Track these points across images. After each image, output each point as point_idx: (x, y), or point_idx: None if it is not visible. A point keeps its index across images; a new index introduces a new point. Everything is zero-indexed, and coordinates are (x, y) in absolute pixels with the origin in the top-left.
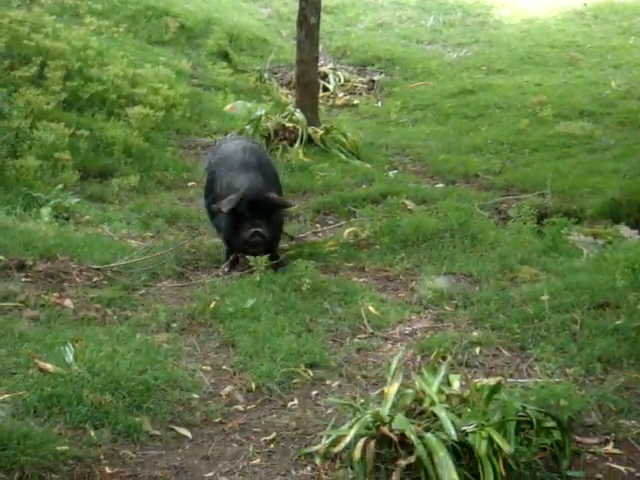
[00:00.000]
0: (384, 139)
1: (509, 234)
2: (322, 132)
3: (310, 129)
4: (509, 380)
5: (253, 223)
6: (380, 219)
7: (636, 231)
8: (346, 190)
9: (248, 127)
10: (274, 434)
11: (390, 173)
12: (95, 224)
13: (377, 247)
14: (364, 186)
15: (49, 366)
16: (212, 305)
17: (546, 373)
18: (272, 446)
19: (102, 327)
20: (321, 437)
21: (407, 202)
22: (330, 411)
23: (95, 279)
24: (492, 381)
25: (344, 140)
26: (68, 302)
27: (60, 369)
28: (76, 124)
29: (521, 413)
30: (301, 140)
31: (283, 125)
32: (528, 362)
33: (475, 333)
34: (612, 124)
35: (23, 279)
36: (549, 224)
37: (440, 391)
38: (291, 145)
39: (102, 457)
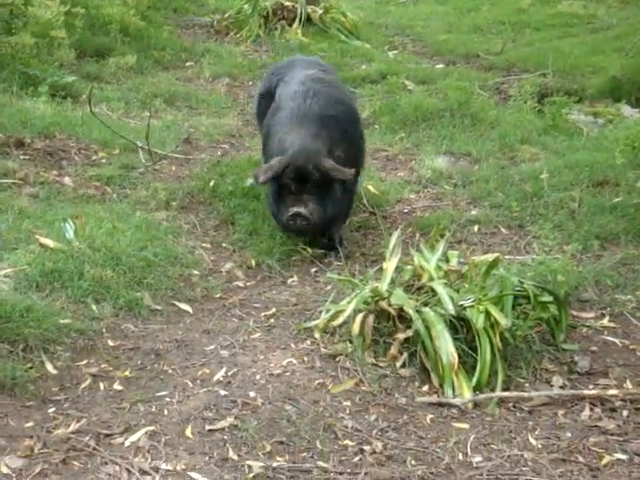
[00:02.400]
0: (384, 19)
1: (509, 114)
2: (321, 11)
3: (309, 8)
4: (507, 257)
5: (297, 200)
6: (380, 99)
7: (636, 110)
8: (345, 70)
9: (247, 6)
10: (274, 309)
11: (390, 53)
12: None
13: (376, 127)
14: (364, 66)
15: (50, 242)
16: (211, 184)
17: (544, 250)
18: (272, 321)
19: (102, 205)
20: (320, 312)
21: (407, 82)
22: (329, 287)
23: (94, 157)
24: (490, 257)
25: (343, 20)
26: (67, 180)
27: (61, 245)
28: (71, 2)
29: (518, 288)
30: (300, 20)
31: (282, 4)
32: (526, 239)
33: (474, 211)
34: (615, 3)
35: (22, 157)
36: (550, 103)
37: (438, 267)
38: (290, 25)
39: (104, 330)
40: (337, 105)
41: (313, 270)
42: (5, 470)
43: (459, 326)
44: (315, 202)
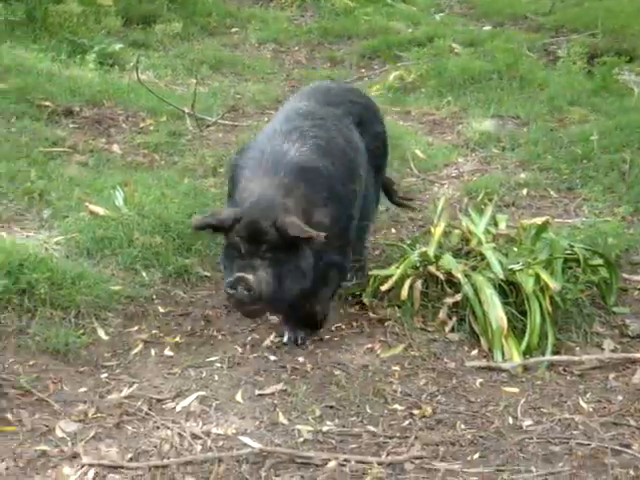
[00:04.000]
0: None
1: (558, 75)
2: None
3: None
4: (557, 220)
5: (245, 264)
6: (426, 62)
7: None
8: (391, 34)
9: None
10: None
11: (436, 16)
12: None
13: (423, 91)
14: (410, 30)
15: (99, 209)
16: None
17: (594, 212)
18: None
19: (150, 172)
20: (370, 277)
21: (454, 45)
22: (377, 252)
23: (141, 125)
24: (539, 220)
25: None
26: (116, 147)
27: (110, 212)
28: None
29: (568, 251)
30: None
31: None
32: (576, 202)
33: (522, 175)
34: None
35: (71, 125)
36: (599, 64)
37: (487, 231)
38: None
39: (154, 297)
40: (326, 155)
41: None
42: (60, 434)
43: (508, 290)
44: (268, 270)
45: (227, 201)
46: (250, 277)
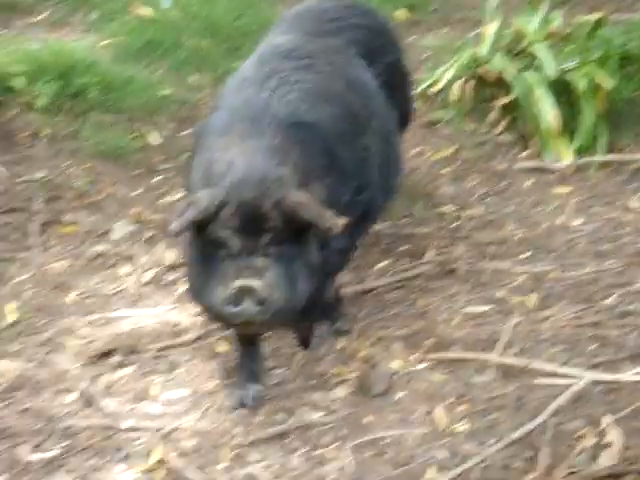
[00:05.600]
0: None
1: None
2: None
3: None
4: (613, 16)
5: (244, 266)
6: None
7: None
8: None
9: None
10: None
11: None
12: None
13: None
14: None
15: (147, 12)
16: None
17: None
18: None
19: None
20: (417, 81)
21: None
22: (427, 54)
23: None
24: (595, 17)
25: None
26: None
27: (157, 14)
28: None
29: (623, 49)
30: None
31: None
32: None
33: None
34: None
35: None
36: None
37: (540, 29)
38: None
39: (205, 100)
40: (318, 106)
41: (412, 37)
42: (116, 236)
43: (561, 90)
44: (277, 270)
45: (186, 183)
46: (258, 284)
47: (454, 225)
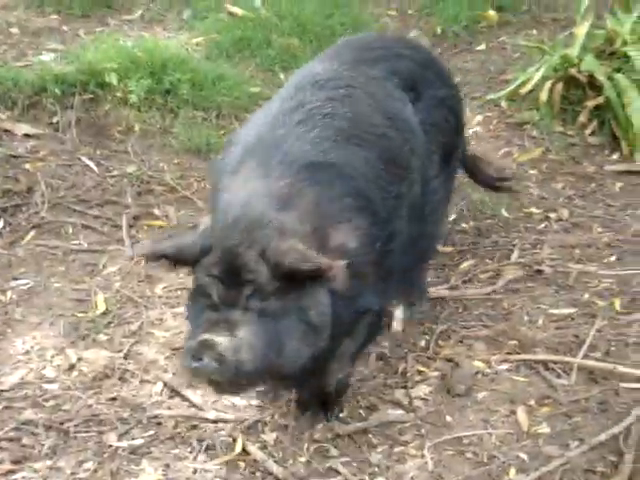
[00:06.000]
0: None
1: None
2: None
3: None
4: None
5: (217, 319)
6: None
7: None
8: None
9: None
10: (459, 77)
11: None
12: None
13: None
14: None
15: (238, 10)
16: None
17: None
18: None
19: None
20: (507, 81)
21: None
22: (517, 55)
23: None
24: None
25: None
26: None
27: (248, 12)
28: None
29: None
30: None
31: None
32: None
33: None
34: None
35: None
36: None
37: (633, 30)
38: None
39: None
40: (350, 143)
41: (500, 39)
42: None
43: None
44: (253, 327)
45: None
46: (221, 341)
47: (540, 227)
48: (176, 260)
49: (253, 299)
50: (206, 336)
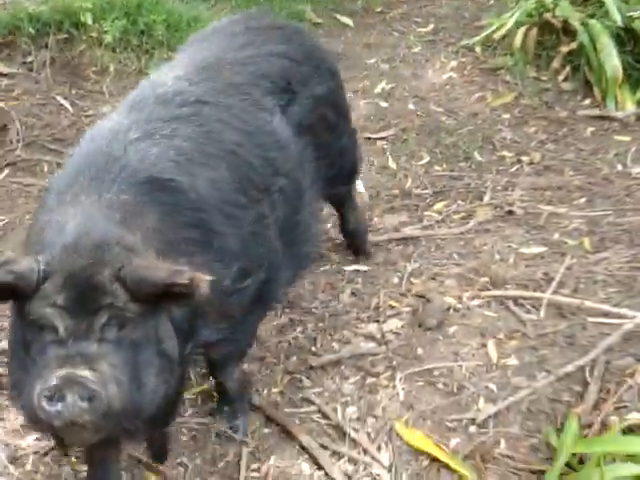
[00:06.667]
0: None
1: None
2: None
3: None
4: None
5: (70, 353)
6: None
7: None
8: None
9: None
10: (433, 24)
11: None
12: None
13: None
14: None
15: None
16: None
17: None
18: (432, 37)
19: None
20: (481, 27)
21: None
22: (492, 2)
23: None
24: None
25: None
26: None
27: None
28: None
29: None
30: None
31: None
32: None
33: None
34: None
35: None
36: None
37: None
38: None
39: None
40: (194, 164)
41: None
42: None
43: (626, 39)
44: (115, 360)
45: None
46: (87, 373)
47: (513, 170)
48: (13, 289)
49: (109, 328)
50: (65, 371)
